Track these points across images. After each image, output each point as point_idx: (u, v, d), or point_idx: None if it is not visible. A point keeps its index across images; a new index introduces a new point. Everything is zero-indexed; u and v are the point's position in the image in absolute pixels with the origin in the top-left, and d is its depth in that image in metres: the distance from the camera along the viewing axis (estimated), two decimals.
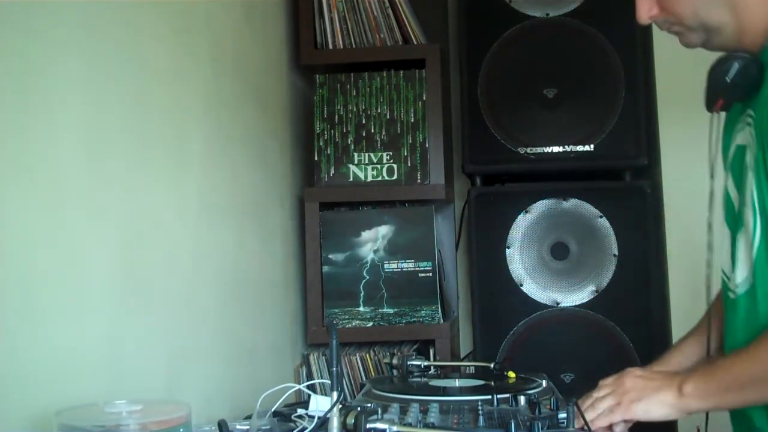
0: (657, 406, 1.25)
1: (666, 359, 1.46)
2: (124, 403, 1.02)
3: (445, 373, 1.74)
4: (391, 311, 2.17)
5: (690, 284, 1.97)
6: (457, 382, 1.59)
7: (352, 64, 2.27)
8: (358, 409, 1.11)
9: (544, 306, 2.25)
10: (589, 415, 1.27)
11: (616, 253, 2.24)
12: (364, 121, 2.22)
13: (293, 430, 1.19)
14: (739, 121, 1.29)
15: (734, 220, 1.29)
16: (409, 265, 2.19)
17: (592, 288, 2.24)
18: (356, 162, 2.21)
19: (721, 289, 1.37)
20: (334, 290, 2.19)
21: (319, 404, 1.21)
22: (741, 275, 1.26)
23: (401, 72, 2.23)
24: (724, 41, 1.26)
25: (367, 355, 2.14)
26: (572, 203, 2.27)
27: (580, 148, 2.26)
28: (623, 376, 1.32)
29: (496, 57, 2.30)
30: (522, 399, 1.32)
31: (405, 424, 1.13)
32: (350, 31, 2.26)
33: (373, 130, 2.22)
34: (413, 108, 2.22)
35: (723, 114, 1.35)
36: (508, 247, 2.27)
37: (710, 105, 1.31)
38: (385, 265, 2.19)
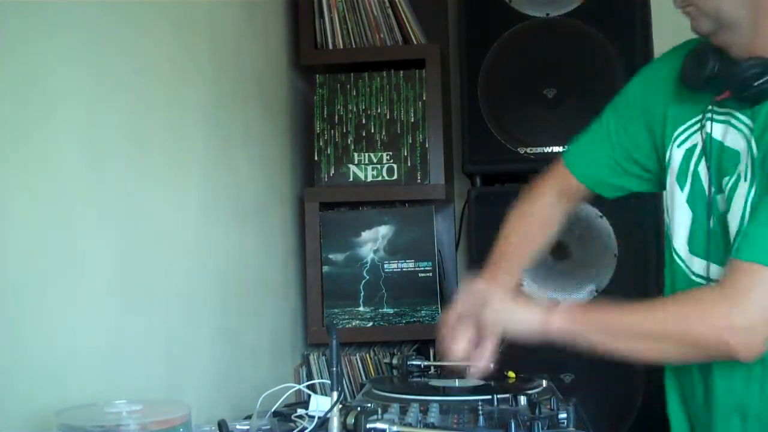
0: (520, 323, 1.30)
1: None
2: (124, 403, 1.02)
3: (445, 373, 1.74)
4: (391, 311, 2.17)
5: None
6: (457, 382, 1.59)
7: (352, 64, 2.27)
8: (358, 409, 1.11)
9: None
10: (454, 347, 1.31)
11: (616, 253, 2.24)
12: (364, 121, 2.22)
13: (293, 430, 1.20)
14: (716, 114, 1.29)
15: (703, 205, 1.31)
16: (409, 265, 2.19)
17: (592, 288, 2.24)
18: (356, 162, 2.21)
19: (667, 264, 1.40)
20: (334, 290, 2.19)
21: (319, 404, 1.21)
22: (717, 272, 1.28)
23: (401, 72, 2.23)
24: (733, 39, 1.23)
25: (367, 355, 2.14)
26: None
27: None
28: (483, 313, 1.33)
29: (496, 57, 2.29)
30: (522, 399, 1.32)
31: (405, 424, 1.13)
32: (350, 31, 2.26)
33: (373, 130, 2.22)
34: (413, 108, 2.22)
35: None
36: None
37: (716, 91, 1.27)
38: (385, 265, 2.19)
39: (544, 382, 1.51)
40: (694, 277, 1.33)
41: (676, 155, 1.36)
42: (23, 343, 1.05)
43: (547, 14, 2.29)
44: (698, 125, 1.33)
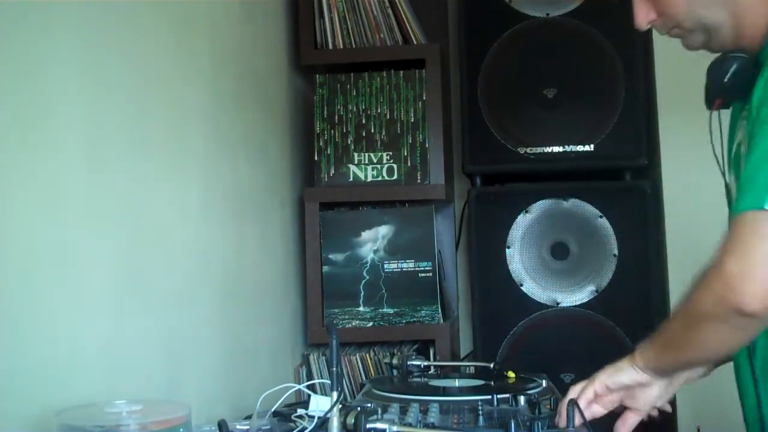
0: (616, 371, 1.27)
1: None
2: (124, 403, 1.02)
3: (445, 373, 1.74)
4: (391, 311, 2.17)
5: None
6: (457, 382, 1.59)
7: (352, 64, 2.27)
8: (358, 409, 1.11)
9: (544, 306, 2.25)
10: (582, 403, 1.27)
11: (616, 253, 2.24)
12: (364, 121, 2.22)
13: (293, 430, 1.20)
14: (740, 119, 1.30)
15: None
16: (409, 265, 2.19)
17: (592, 288, 2.24)
18: (356, 162, 2.21)
19: None
20: (334, 290, 2.19)
21: (319, 404, 1.21)
22: None
23: (401, 72, 2.23)
24: (723, 41, 1.27)
25: (367, 355, 2.14)
26: (572, 203, 2.27)
27: (580, 148, 2.26)
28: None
29: (496, 57, 2.30)
30: (522, 399, 1.32)
31: (405, 424, 1.13)
32: (350, 31, 2.26)
33: (373, 130, 2.22)
34: (413, 108, 2.22)
35: (727, 111, 1.36)
36: (508, 247, 2.27)
37: (709, 104, 1.33)
38: (385, 265, 2.19)
39: (544, 382, 1.51)
40: None
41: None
42: (23, 343, 1.05)
43: (547, 14, 2.29)
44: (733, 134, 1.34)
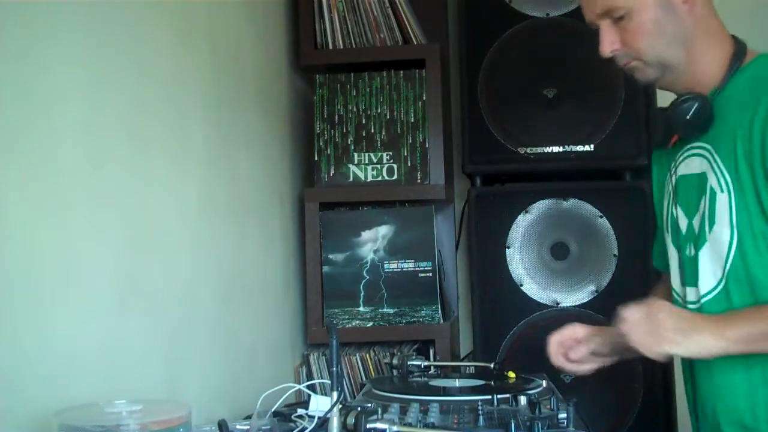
0: (695, 347, 1.33)
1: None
2: (124, 403, 1.02)
3: (445, 373, 1.74)
4: (391, 311, 2.17)
5: None
6: (457, 382, 1.59)
7: (352, 64, 2.27)
8: (358, 409, 1.11)
9: (544, 306, 2.25)
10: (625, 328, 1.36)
11: (616, 253, 2.24)
12: (364, 121, 2.22)
13: (293, 430, 1.20)
14: (679, 156, 1.47)
15: (684, 242, 1.46)
16: (409, 265, 2.19)
17: (592, 288, 2.24)
18: (356, 162, 2.21)
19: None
20: (334, 290, 2.19)
21: (319, 404, 1.21)
22: (706, 287, 1.41)
23: (401, 72, 2.23)
24: (675, 79, 1.44)
25: (367, 355, 2.14)
26: (572, 203, 2.27)
27: (580, 148, 2.26)
28: (654, 307, 1.36)
29: (496, 57, 2.29)
30: (522, 399, 1.32)
31: (405, 424, 1.13)
32: (350, 31, 2.26)
33: (373, 130, 2.22)
34: (413, 108, 2.22)
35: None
36: (508, 247, 2.27)
37: (666, 141, 1.49)
38: (385, 265, 2.19)
39: (544, 382, 1.51)
40: (686, 305, 1.45)
41: (665, 211, 1.54)
42: (23, 343, 1.05)
43: (547, 14, 2.29)
44: (667, 176, 1.52)
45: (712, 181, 1.38)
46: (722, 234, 1.37)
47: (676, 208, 1.48)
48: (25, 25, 1.08)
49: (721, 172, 1.37)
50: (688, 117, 1.40)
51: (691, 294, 1.45)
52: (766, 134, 1.31)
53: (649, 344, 1.33)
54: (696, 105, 1.40)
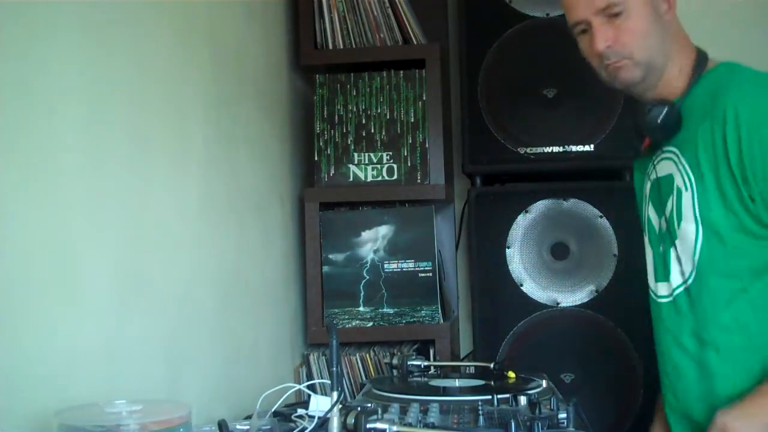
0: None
1: None
2: (124, 403, 1.02)
3: (445, 373, 1.74)
4: (391, 311, 2.17)
5: None
6: (457, 382, 1.59)
7: (352, 64, 2.27)
8: (358, 409, 1.11)
9: (544, 306, 2.25)
10: None
11: (616, 253, 2.24)
12: (364, 121, 2.22)
13: (293, 430, 1.20)
14: (653, 161, 1.55)
15: (658, 240, 1.55)
16: (409, 265, 2.19)
17: (592, 288, 2.24)
18: (356, 162, 2.21)
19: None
20: (334, 290, 2.19)
21: (319, 404, 1.21)
22: (677, 280, 1.49)
23: (401, 72, 2.23)
24: (651, 82, 1.49)
25: (367, 355, 2.14)
26: (572, 203, 2.27)
27: (580, 148, 2.26)
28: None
29: (496, 57, 2.29)
30: (522, 399, 1.32)
31: (405, 424, 1.13)
32: (350, 31, 2.26)
33: (373, 130, 2.22)
34: (413, 108, 2.22)
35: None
36: (508, 247, 2.27)
37: (640, 149, 1.58)
38: (385, 265, 2.19)
39: (544, 382, 1.51)
40: (658, 299, 1.56)
41: (643, 214, 1.63)
42: (23, 343, 1.05)
43: (547, 14, 2.29)
44: (645, 180, 1.60)
45: (678, 181, 1.47)
46: (688, 229, 1.45)
47: (650, 209, 1.58)
48: (25, 25, 1.08)
49: (686, 172, 1.46)
50: (659, 122, 1.47)
51: (662, 289, 1.53)
52: (727, 134, 1.38)
53: None
54: (665, 110, 1.47)
